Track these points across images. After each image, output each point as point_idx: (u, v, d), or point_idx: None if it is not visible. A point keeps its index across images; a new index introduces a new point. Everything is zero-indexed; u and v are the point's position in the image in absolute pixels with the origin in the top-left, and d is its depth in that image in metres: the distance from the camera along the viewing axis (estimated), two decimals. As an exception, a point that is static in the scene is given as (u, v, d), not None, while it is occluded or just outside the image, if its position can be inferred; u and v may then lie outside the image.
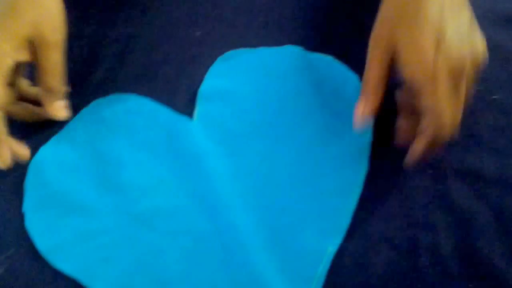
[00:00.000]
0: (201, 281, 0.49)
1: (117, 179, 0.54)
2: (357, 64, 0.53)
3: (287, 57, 0.58)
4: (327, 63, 0.57)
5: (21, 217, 0.52)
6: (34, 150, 0.55)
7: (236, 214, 0.51)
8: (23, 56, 0.50)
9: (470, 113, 0.52)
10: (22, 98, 0.55)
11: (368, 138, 0.53)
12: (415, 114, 0.46)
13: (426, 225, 0.50)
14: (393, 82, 0.49)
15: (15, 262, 0.50)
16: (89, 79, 0.61)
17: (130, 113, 0.57)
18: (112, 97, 0.58)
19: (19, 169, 0.54)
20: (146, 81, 0.60)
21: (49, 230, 0.51)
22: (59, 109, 0.55)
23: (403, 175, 0.52)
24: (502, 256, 0.48)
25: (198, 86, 0.58)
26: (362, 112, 0.49)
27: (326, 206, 0.51)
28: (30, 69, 0.55)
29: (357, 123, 0.50)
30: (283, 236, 0.50)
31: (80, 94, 0.59)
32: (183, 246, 0.50)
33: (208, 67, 0.60)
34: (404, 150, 0.49)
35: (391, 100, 0.50)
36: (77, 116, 0.58)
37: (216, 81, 0.58)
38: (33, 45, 0.50)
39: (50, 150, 0.55)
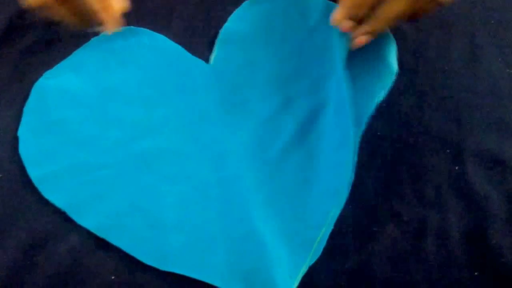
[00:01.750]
0: (196, 230, 0.47)
1: (120, 114, 0.51)
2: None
3: (315, 8, 0.54)
4: None
5: (15, 140, 0.50)
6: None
7: (239, 167, 0.49)
8: None
9: (496, 97, 0.51)
10: None
11: None
12: None
13: (437, 205, 0.48)
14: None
15: (3, 187, 0.48)
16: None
17: (143, 48, 0.54)
18: (126, 29, 0.54)
19: (21, 88, 0.51)
20: (161, 17, 0.57)
21: (43, 158, 0.49)
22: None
23: (418, 151, 0.50)
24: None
25: (217, 30, 0.55)
26: (337, 17, 0.47)
27: (331, 163, 0.48)
28: None
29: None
30: (285, 194, 0.48)
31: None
32: (182, 192, 0.48)
33: (228, 11, 0.56)
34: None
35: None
36: (87, 44, 0.54)
37: (239, 25, 0.55)
38: None
39: (55, 76, 0.53)
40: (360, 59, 0.50)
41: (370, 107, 0.47)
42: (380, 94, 0.48)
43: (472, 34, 0.53)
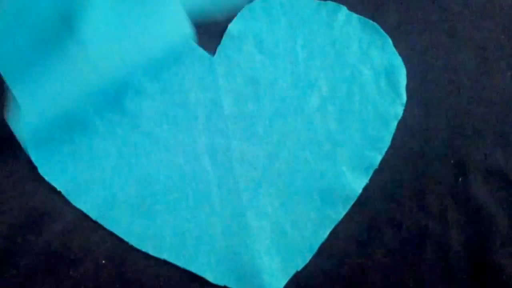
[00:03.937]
0: (190, 221, 0.48)
1: (122, 101, 0.51)
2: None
3: (328, 13, 0.54)
4: (372, 30, 0.53)
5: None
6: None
7: (235, 166, 0.50)
8: None
9: (503, 110, 0.51)
10: None
11: None
12: None
13: (438, 216, 0.48)
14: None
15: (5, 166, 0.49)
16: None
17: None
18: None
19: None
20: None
21: (43, 139, 0.49)
22: None
23: (421, 160, 0.50)
24: (513, 263, 0.45)
25: (224, 24, 0.54)
26: None
27: (331, 168, 0.49)
28: None
29: None
30: (284, 193, 0.49)
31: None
32: (178, 177, 0.49)
33: (238, 6, 0.55)
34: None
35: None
36: None
37: (248, 22, 0.54)
38: None
39: None
40: (373, 84, 0.51)
41: (387, 137, 0.50)
42: (394, 124, 0.50)
43: (482, 46, 0.53)
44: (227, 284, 0.46)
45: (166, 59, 0.52)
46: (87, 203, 0.48)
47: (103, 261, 0.45)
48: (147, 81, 0.51)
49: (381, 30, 0.53)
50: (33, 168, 0.48)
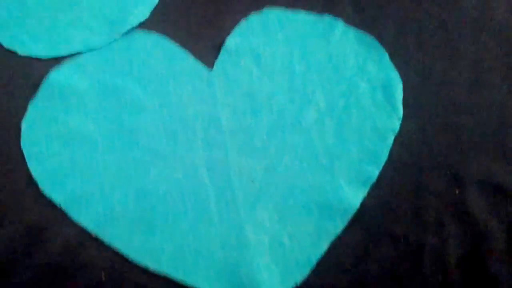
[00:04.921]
0: (188, 235, 0.48)
1: (122, 116, 0.51)
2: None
3: (325, 28, 0.54)
4: (369, 44, 0.54)
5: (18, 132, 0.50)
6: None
7: (234, 182, 0.50)
8: None
9: (499, 124, 0.51)
10: None
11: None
12: None
13: (435, 229, 0.48)
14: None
15: (2, 177, 0.49)
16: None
17: (147, 51, 0.54)
18: (133, 32, 0.54)
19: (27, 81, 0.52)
20: (170, 21, 0.56)
21: (44, 154, 0.49)
22: None
23: (419, 173, 0.50)
24: (510, 277, 0.45)
25: (222, 39, 0.55)
26: None
27: (331, 183, 0.50)
28: None
29: None
30: (282, 207, 0.49)
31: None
32: (177, 193, 0.49)
33: (236, 20, 0.56)
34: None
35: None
36: None
37: (245, 37, 0.54)
38: None
39: (63, 74, 0.52)
40: (370, 98, 0.52)
41: (385, 151, 0.50)
42: (391, 138, 0.51)
43: (478, 60, 0.53)
44: (226, 298, 0.47)
45: (165, 74, 0.52)
46: (87, 217, 0.48)
47: (103, 275, 0.46)
48: (146, 96, 0.52)
49: (378, 44, 0.53)
50: (33, 183, 0.48)
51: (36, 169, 0.49)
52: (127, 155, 0.50)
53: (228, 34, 0.54)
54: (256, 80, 0.53)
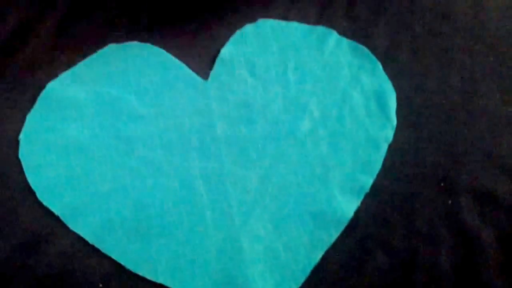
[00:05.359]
0: (184, 244, 0.48)
1: (118, 127, 0.52)
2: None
3: (318, 38, 0.55)
4: (362, 54, 0.54)
5: (16, 143, 0.51)
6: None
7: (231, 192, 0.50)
8: None
9: (492, 133, 0.52)
10: None
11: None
12: None
13: (428, 238, 0.48)
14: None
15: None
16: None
17: (143, 62, 0.54)
18: (128, 44, 0.55)
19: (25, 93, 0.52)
20: (165, 33, 0.57)
21: (42, 165, 0.50)
22: None
23: (411, 182, 0.50)
24: (503, 286, 0.45)
25: (218, 50, 0.55)
26: None
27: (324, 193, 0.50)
28: None
29: None
30: (276, 216, 0.49)
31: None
32: (173, 202, 0.50)
33: (231, 31, 0.56)
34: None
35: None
36: (90, 57, 0.55)
37: (240, 48, 0.55)
38: None
39: (61, 86, 0.53)
40: (364, 107, 0.52)
41: (378, 161, 0.51)
42: (385, 147, 0.51)
43: (472, 69, 0.54)
44: (221, 306, 0.47)
45: (161, 84, 0.53)
46: (84, 227, 0.48)
47: (100, 285, 0.46)
48: (142, 106, 0.52)
49: (371, 55, 0.53)
50: (31, 193, 0.49)
51: (34, 180, 0.49)
52: (124, 165, 0.50)
53: (223, 45, 0.55)
54: (250, 90, 0.53)
